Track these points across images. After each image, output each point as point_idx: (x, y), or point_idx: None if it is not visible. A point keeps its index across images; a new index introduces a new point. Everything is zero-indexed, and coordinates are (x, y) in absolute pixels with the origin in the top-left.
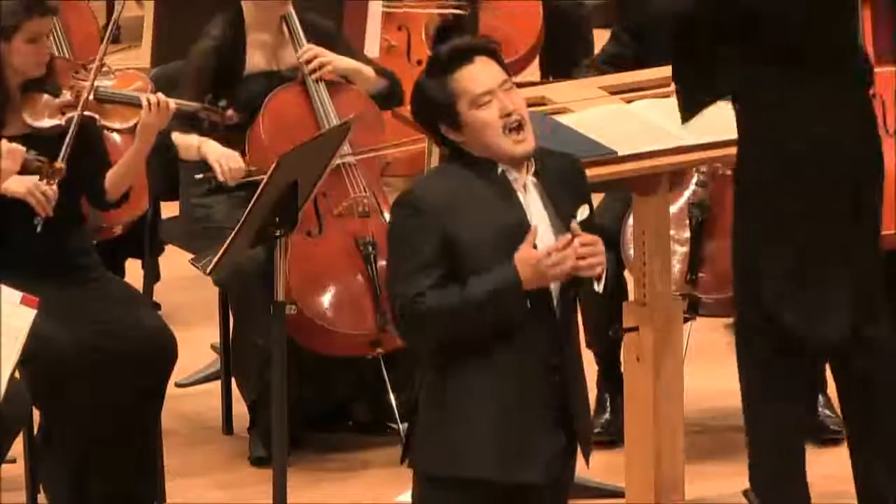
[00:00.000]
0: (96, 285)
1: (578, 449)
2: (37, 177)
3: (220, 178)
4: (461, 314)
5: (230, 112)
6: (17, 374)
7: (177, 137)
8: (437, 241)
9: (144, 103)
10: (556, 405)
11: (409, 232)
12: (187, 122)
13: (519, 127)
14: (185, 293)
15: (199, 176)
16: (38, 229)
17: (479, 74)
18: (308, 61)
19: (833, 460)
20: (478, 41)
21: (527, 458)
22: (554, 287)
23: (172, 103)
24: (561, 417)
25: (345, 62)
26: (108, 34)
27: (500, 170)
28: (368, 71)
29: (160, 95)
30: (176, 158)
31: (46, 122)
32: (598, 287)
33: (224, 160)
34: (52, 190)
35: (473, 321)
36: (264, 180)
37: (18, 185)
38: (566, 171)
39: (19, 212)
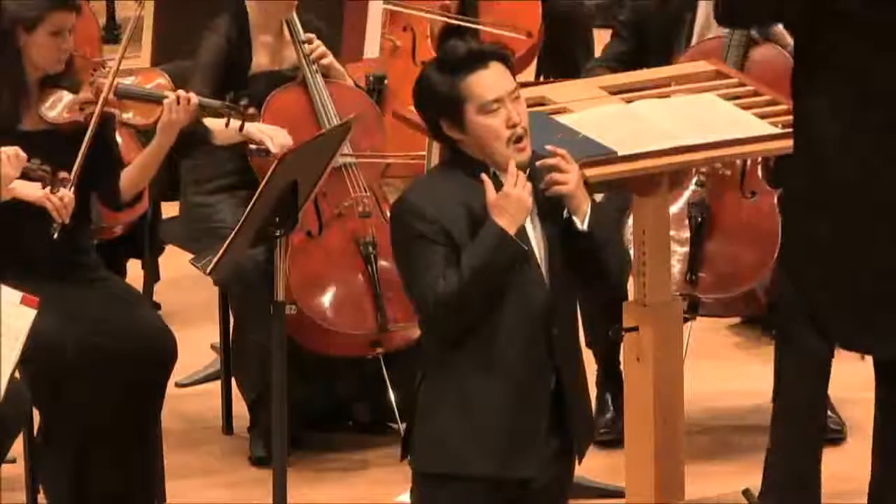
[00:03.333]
0: (96, 285)
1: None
2: None
3: (274, 150)
4: (471, 286)
5: (252, 110)
6: (17, 374)
7: (210, 123)
8: (440, 240)
9: (167, 100)
10: (554, 406)
11: (411, 239)
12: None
13: (520, 138)
14: (185, 293)
15: (253, 147)
16: (55, 236)
17: (491, 80)
18: (311, 52)
19: (833, 460)
20: (494, 47)
21: (523, 455)
22: (545, 277)
23: (195, 99)
24: (559, 418)
25: (337, 64)
26: (127, 33)
27: (491, 173)
28: (350, 82)
29: (181, 92)
30: (177, 158)
31: (64, 118)
32: (580, 224)
33: (274, 135)
34: (69, 196)
35: (484, 285)
36: (264, 180)
37: (35, 190)
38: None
39: (31, 216)
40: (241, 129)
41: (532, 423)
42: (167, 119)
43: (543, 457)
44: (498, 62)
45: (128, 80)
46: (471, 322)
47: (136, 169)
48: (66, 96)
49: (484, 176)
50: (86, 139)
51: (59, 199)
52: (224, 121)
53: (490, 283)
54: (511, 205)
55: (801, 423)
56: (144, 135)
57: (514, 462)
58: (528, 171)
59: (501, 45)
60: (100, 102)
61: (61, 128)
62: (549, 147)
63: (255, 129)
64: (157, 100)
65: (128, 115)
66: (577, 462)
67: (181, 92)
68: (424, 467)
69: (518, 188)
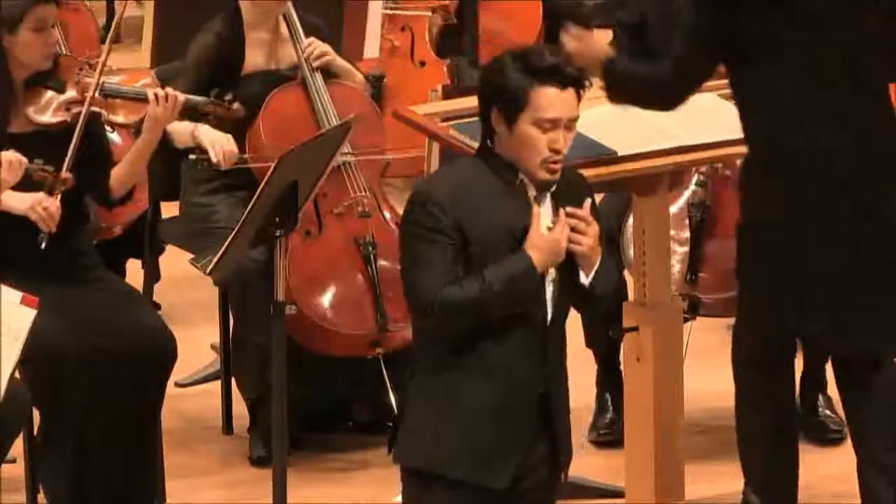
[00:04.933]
0: (96, 285)
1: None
2: (39, 193)
3: (215, 159)
4: (483, 305)
5: (237, 106)
6: (17, 374)
7: (170, 126)
8: (453, 235)
9: (151, 97)
10: (539, 415)
11: (426, 226)
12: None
13: (555, 162)
14: (185, 293)
15: (193, 157)
16: (43, 245)
17: (560, 102)
18: (311, 55)
19: (833, 460)
20: (578, 73)
21: (499, 463)
22: (549, 295)
23: (180, 96)
24: (543, 428)
25: (341, 61)
26: (110, 33)
27: (519, 179)
28: (359, 75)
29: (168, 89)
30: (176, 157)
31: (52, 118)
32: (585, 279)
33: (219, 143)
34: (55, 205)
35: (495, 308)
36: (264, 180)
37: (19, 202)
38: (580, 194)
39: (23, 218)
40: (192, 133)
41: (515, 431)
42: (152, 116)
43: (519, 466)
44: (574, 89)
45: (114, 80)
46: (467, 330)
47: (125, 166)
48: (54, 97)
49: (535, 209)
50: (74, 141)
51: (44, 209)
52: (182, 123)
53: (503, 308)
54: (551, 248)
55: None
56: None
57: (486, 469)
58: (555, 187)
59: (584, 74)
60: (86, 102)
61: (49, 128)
62: (570, 209)
63: (203, 134)
64: (142, 98)
65: (114, 115)
66: (564, 469)
67: (168, 89)
68: (405, 462)
69: (564, 237)
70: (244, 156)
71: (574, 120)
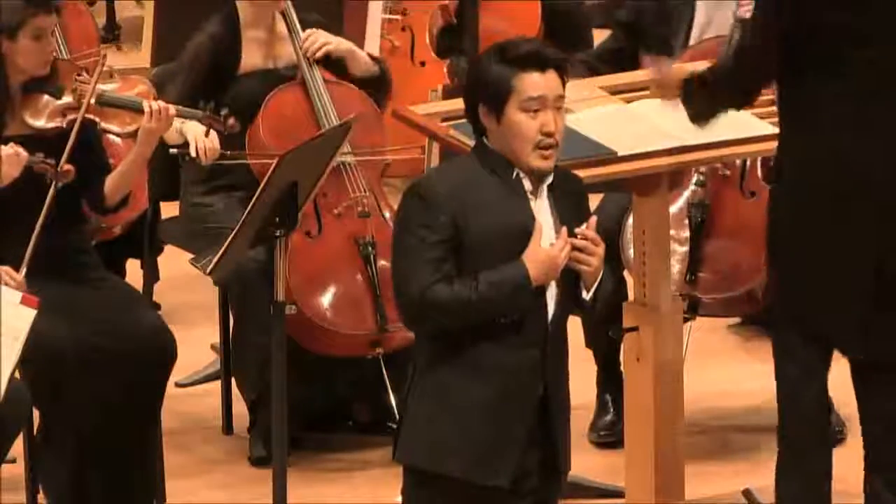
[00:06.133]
0: (96, 285)
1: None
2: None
3: (194, 153)
4: (472, 309)
5: (232, 121)
6: (17, 374)
7: None
8: (447, 234)
9: (146, 109)
10: (539, 418)
11: (420, 222)
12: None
13: (549, 147)
14: (185, 293)
15: (174, 150)
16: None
17: (542, 82)
18: (309, 49)
19: (834, 460)
20: (557, 54)
21: (498, 462)
22: (550, 304)
23: (173, 109)
24: (542, 431)
25: (343, 43)
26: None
27: (515, 173)
28: (362, 53)
29: (161, 102)
30: (174, 157)
31: (47, 124)
32: (586, 294)
33: (201, 138)
34: (15, 281)
35: (484, 314)
36: (264, 180)
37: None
38: (574, 192)
39: (19, 210)
40: (180, 129)
41: (514, 430)
42: (146, 129)
43: (520, 467)
44: (555, 71)
45: (109, 87)
46: (457, 329)
47: (119, 175)
48: (50, 103)
49: (538, 223)
50: (68, 147)
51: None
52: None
53: (492, 314)
54: (549, 264)
55: (809, 430)
56: None
57: (487, 468)
58: (552, 180)
59: (564, 55)
60: (81, 111)
61: (45, 133)
62: (578, 231)
63: (188, 129)
64: (137, 109)
65: (108, 124)
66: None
67: (161, 102)
68: (406, 461)
69: (563, 255)
70: (225, 152)
71: (560, 98)
